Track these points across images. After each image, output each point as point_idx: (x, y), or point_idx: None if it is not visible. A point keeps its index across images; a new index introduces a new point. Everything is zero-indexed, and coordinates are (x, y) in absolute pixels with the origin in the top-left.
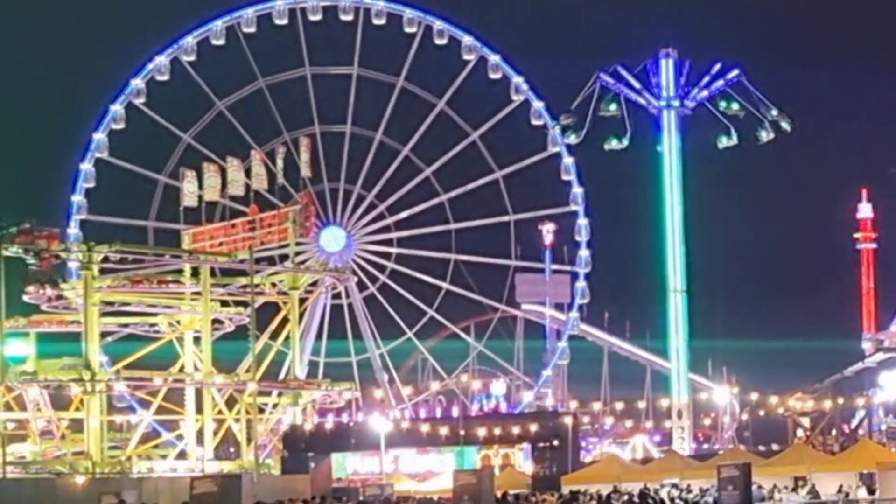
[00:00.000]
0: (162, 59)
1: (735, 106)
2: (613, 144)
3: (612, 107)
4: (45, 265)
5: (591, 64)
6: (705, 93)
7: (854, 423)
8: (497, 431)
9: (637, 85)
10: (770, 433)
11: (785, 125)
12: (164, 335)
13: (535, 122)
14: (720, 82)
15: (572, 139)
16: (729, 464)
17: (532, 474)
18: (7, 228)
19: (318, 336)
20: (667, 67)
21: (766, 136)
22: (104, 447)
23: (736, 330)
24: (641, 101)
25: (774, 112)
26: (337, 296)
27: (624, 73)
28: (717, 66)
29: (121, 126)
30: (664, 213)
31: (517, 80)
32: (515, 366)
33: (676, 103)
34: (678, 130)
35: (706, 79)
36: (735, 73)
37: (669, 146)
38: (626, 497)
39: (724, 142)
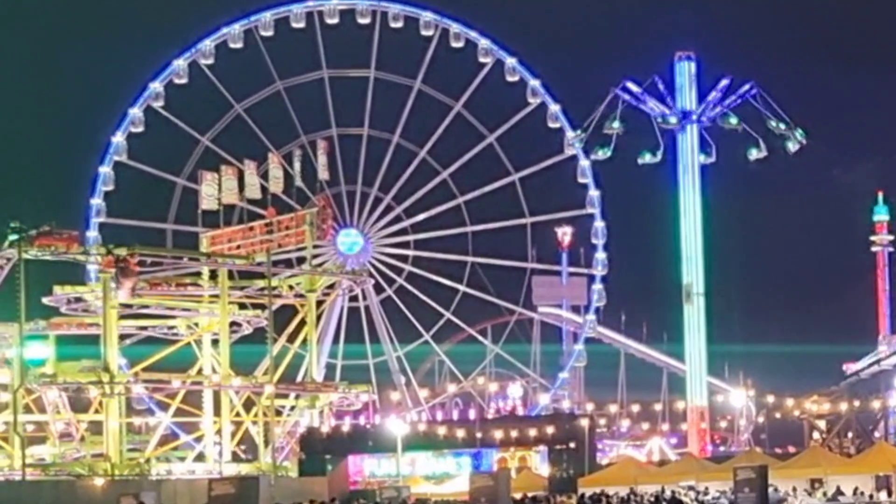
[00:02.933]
0: (180, 63)
1: (773, 123)
2: (647, 159)
3: (615, 124)
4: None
5: (607, 67)
6: (718, 108)
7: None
8: (513, 434)
9: (654, 103)
10: (786, 435)
11: (800, 141)
12: (183, 338)
13: (551, 124)
14: (732, 98)
15: (600, 154)
16: (745, 466)
17: (548, 477)
18: (27, 231)
19: (336, 338)
20: (688, 71)
21: (787, 148)
22: (123, 449)
23: (752, 334)
24: (663, 117)
25: (787, 126)
26: (354, 298)
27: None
28: (741, 85)
29: (139, 129)
30: (680, 216)
31: (534, 82)
32: (532, 368)
33: (695, 116)
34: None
35: (717, 93)
36: (747, 86)
37: (690, 156)
38: (638, 498)
39: (754, 153)
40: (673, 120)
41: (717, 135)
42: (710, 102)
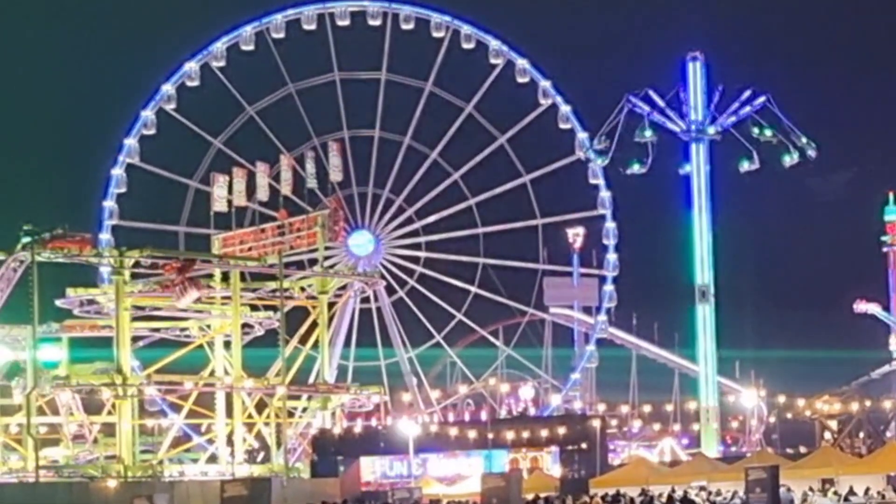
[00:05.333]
0: (192, 65)
1: (768, 132)
2: (635, 169)
3: (648, 133)
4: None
5: (617, 69)
6: (732, 118)
7: None
8: (525, 435)
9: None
10: (798, 436)
11: (811, 152)
12: (195, 339)
13: (562, 125)
14: (747, 108)
15: (600, 162)
16: (757, 466)
17: (560, 477)
18: (40, 234)
19: (347, 340)
20: (698, 73)
21: (789, 160)
22: (136, 451)
23: (763, 336)
24: (673, 127)
25: (803, 139)
26: (366, 300)
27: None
28: (747, 93)
29: (152, 132)
30: (693, 219)
31: (544, 83)
32: (543, 369)
33: (707, 128)
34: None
35: (735, 104)
36: (762, 99)
37: (698, 165)
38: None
39: (745, 166)
40: (687, 126)
41: (728, 142)
42: (728, 112)
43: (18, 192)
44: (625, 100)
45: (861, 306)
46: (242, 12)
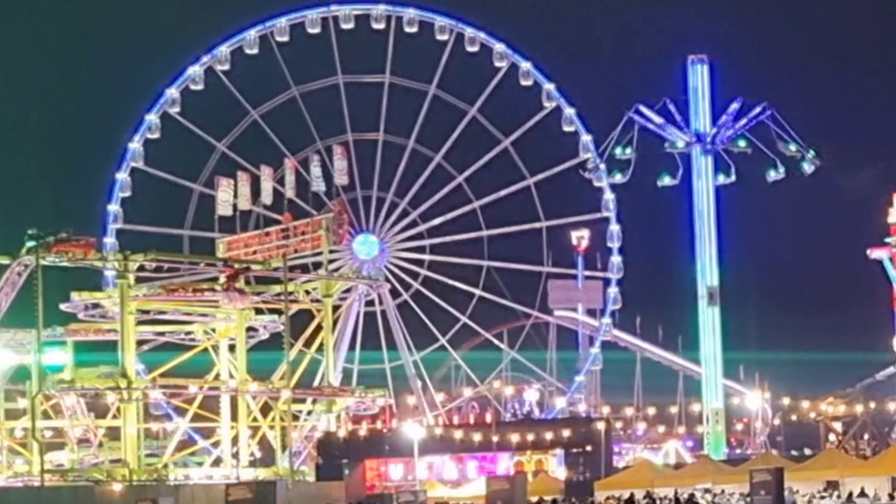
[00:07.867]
0: (196, 69)
1: (791, 146)
2: (666, 181)
3: (628, 150)
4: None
5: (620, 72)
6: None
7: None
8: (530, 437)
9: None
10: (802, 438)
11: (807, 166)
12: (200, 343)
13: (566, 128)
14: (745, 121)
15: (617, 178)
16: (761, 469)
17: (565, 480)
18: (45, 238)
19: (352, 343)
20: (701, 75)
21: (775, 174)
22: (141, 455)
23: (767, 338)
24: (680, 140)
25: (799, 148)
26: (370, 303)
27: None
28: (756, 110)
29: (156, 135)
30: (696, 223)
31: (548, 86)
32: (548, 372)
33: (709, 139)
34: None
35: (726, 116)
36: (759, 109)
37: (704, 173)
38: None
39: (772, 175)
40: (680, 144)
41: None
42: (723, 125)
43: (23, 195)
44: (627, 114)
45: (875, 253)
46: (246, 16)
